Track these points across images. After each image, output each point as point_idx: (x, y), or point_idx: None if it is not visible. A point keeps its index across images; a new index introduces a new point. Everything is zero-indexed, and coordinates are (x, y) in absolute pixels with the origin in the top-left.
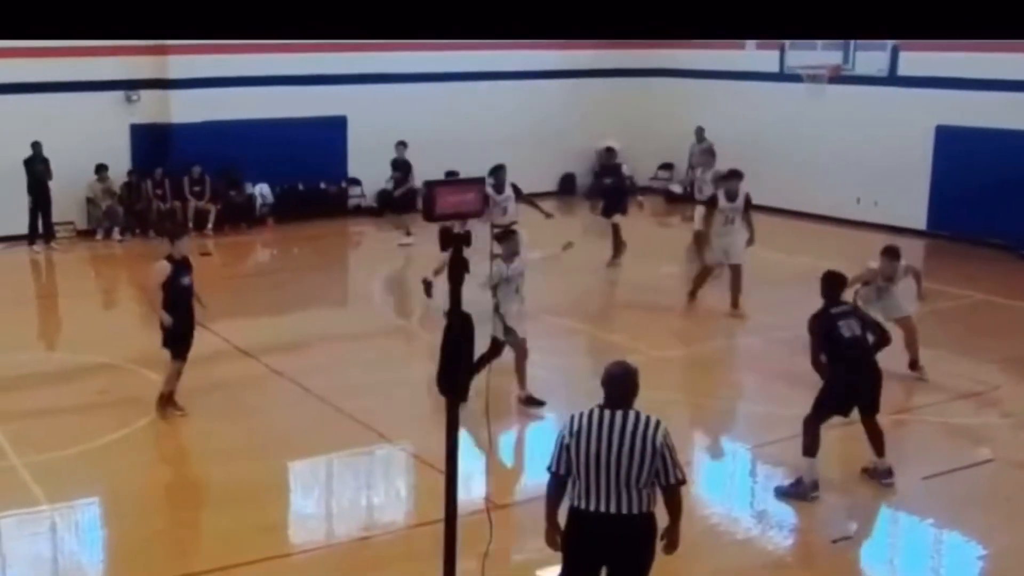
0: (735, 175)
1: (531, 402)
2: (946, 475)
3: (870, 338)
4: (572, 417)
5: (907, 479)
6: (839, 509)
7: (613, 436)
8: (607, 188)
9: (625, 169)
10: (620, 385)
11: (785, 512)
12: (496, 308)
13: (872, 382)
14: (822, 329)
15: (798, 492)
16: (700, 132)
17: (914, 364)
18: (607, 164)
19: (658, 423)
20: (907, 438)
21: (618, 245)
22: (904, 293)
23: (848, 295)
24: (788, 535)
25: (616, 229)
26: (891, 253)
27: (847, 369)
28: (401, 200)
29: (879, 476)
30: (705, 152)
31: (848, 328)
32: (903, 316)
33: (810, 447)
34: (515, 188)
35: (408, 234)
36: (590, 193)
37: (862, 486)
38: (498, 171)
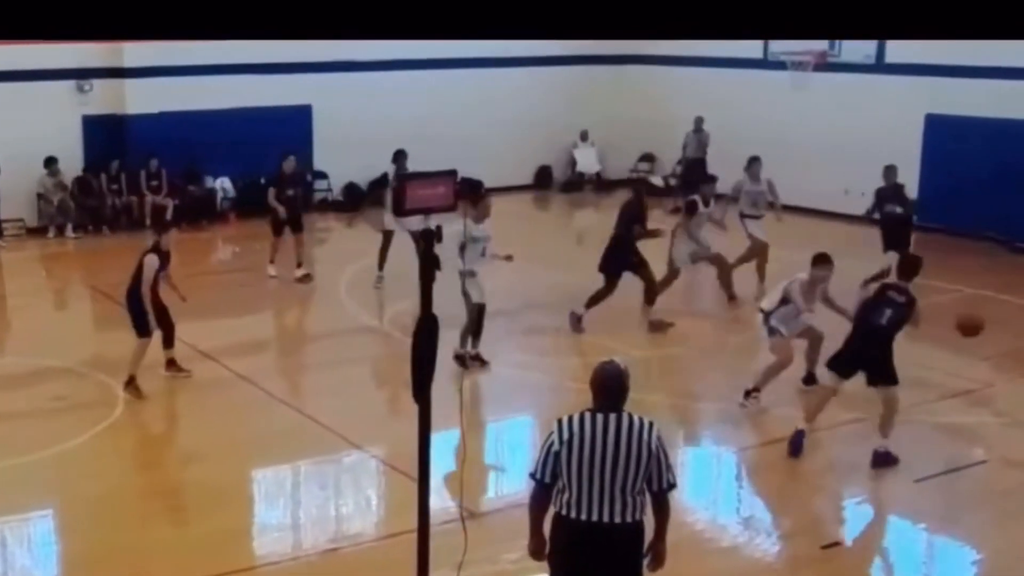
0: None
1: (476, 360)
2: (938, 477)
3: None
4: (560, 422)
5: (898, 482)
6: (829, 514)
7: (608, 441)
8: (895, 219)
9: (907, 191)
10: (612, 387)
11: (772, 518)
12: (461, 270)
13: None
14: None
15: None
16: (699, 122)
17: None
18: (890, 185)
19: (651, 425)
20: (897, 439)
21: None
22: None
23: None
24: (776, 541)
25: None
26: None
27: None
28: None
29: None
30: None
31: None
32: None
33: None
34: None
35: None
36: (883, 221)
37: (852, 490)
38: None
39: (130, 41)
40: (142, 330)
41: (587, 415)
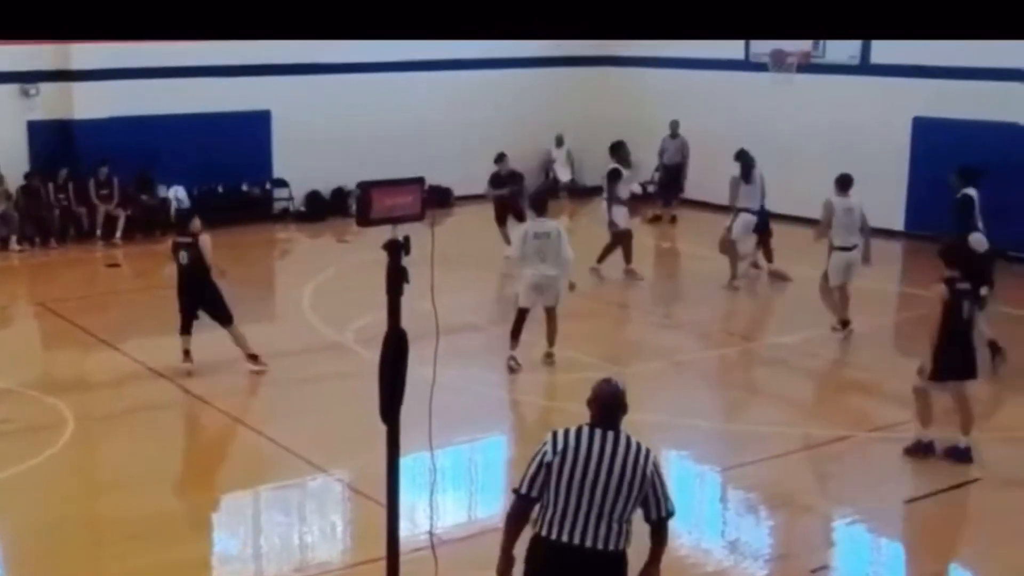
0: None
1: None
2: (930, 497)
3: None
4: (555, 434)
5: (889, 502)
6: (817, 536)
7: (603, 459)
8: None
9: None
10: (611, 405)
11: (759, 541)
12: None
13: None
14: None
15: None
16: (675, 126)
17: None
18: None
19: (648, 452)
20: (886, 457)
21: None
22: None
23: None
24: (763, 566)
25: None
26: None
27: None
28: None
29: None
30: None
31: None
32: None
33: None
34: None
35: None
36: None
37: (842, 511)
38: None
39: (83, 42)
40: (226, 314)
41: (584, 428)
